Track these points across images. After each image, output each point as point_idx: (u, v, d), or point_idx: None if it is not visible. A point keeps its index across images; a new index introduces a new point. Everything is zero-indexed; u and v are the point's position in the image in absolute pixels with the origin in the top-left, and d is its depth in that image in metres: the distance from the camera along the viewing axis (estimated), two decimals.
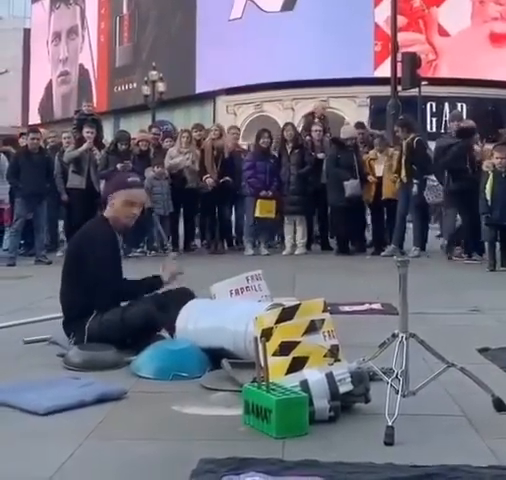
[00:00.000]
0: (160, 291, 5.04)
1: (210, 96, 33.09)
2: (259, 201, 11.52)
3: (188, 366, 4.17)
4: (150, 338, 4.59)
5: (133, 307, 4.76)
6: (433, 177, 11.02)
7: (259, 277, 5.26)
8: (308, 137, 12.63)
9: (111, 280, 4.80)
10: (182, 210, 12.23)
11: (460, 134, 10.78)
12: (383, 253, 10.97)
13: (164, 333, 4.79)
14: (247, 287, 5.15)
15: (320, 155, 11.88)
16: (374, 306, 6.43)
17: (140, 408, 3.64)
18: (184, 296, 4.90)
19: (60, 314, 5.00)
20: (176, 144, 12.21)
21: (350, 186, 11.28)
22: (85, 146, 11.37)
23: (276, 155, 11.86)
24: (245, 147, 13.20)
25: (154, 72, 29.21)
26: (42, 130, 13.05)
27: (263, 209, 11.54)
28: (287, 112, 29.26)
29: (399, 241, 11.19)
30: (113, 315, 4.68)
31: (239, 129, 13.55)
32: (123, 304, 4.87)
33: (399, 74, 18.45)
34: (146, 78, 29.70)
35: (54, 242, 12.00)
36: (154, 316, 4.69)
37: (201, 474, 2.72)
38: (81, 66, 41.84)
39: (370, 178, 11.57)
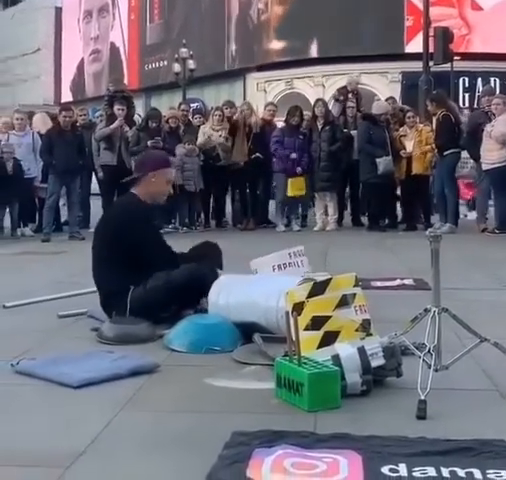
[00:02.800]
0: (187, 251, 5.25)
1: (240, 73, 32.94)
2: (290, 180, 11.49)
3: (220, 340, 4.20)
4: (196, 297, 4.70)
5: (176, 269, 4.80)
6: (464, 152, 10.93)
7: (301, 253, 5.29)
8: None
9: (168, 256, 4.92)
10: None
11: None
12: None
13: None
14: (289, 263, 5.19)
15: (354, 132, 11.80)
16: (406, 281, 6.41)
17: (173, 381, 3.67)
18: (211, 249, 5.20)
19: (93, 288, 5.04)
20: (208, 122, 12.21)
21: (383, 163, 11.18)
22: (116, 123, 11.39)
23: (306, 132, 11.79)
24: (278, 124, 13.09)
25: (184, 49, 29.17)
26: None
27: (294, 187, 11.51)
28: (318, 89, 29.04)
29: (446, 216, 11.08)
30: (157, 281, 4.72)
31: (276, 105, 13.37)
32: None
33: (431, 49, 18.21)
34: (176, 55, 29.67)
35: (86, 218, 12.08)
36: (199, 271, 4.77)
37: (234, 446, 2.73)
38: (112, 44, 41.80)
39: (403, 153, 11.45)
